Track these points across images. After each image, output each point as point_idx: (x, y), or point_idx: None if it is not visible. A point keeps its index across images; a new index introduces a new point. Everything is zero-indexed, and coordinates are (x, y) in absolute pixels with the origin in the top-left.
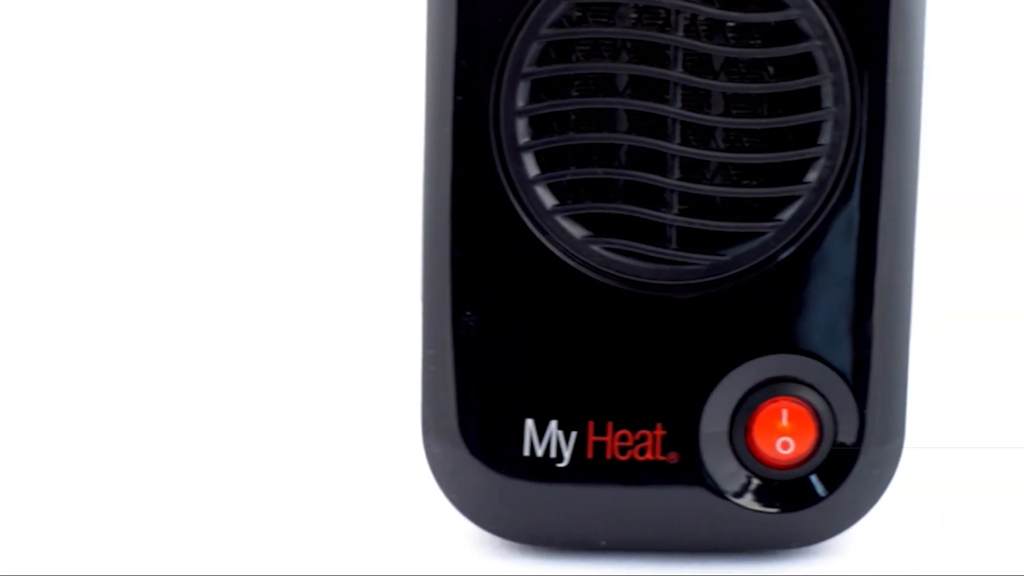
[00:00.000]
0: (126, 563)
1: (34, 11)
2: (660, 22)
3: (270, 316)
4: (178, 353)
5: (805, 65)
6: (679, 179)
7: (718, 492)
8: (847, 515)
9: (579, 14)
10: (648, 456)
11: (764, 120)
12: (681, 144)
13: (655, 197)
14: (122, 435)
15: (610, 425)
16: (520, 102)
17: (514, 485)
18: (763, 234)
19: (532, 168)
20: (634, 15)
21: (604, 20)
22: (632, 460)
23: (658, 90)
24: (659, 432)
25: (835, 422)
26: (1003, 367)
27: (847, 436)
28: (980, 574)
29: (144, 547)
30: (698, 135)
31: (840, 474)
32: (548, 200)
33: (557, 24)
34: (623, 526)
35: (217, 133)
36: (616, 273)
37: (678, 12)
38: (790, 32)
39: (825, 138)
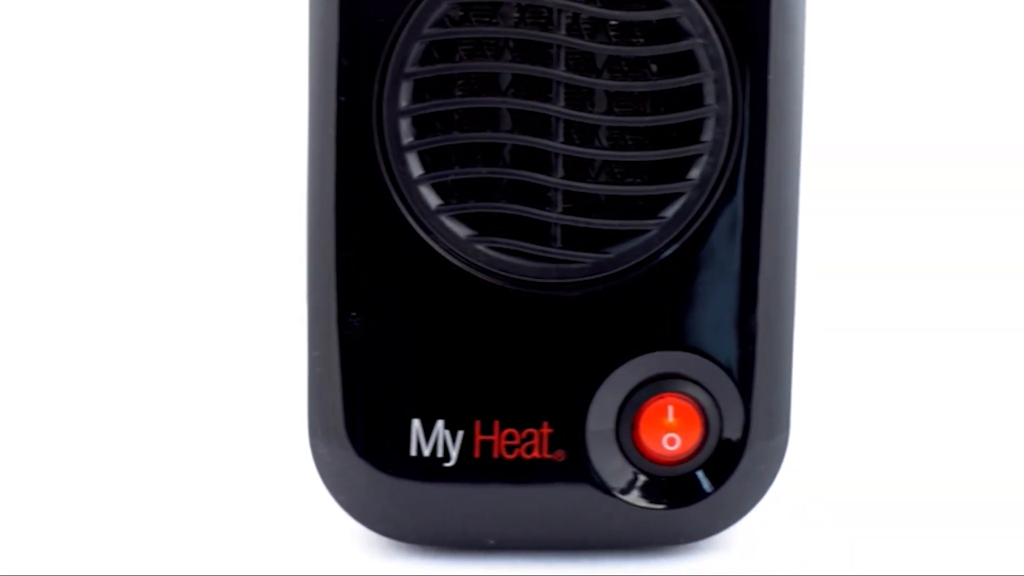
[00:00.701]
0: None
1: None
2: (543, 21)
3: (157, 319)
4: (74, 356)
5: (687, 63)
6: (563, 178)
7: (605, 489)
8: (734, 510)
9: (462, 13)
10: (535, 454)
11: (647, 118)
12: (565, 143)
13: (539, 196)
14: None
15: (497, 424)
16: (403, 102)
17: (401, 485)
18: (647, 231)
19: (416, 168)
20: (517, 14)
21: (487, 19)
22: (519, 459)
23: (541, 89)
24: (546, 430)
25: (720, 418)
26: (884, 366)
27: (732, 431)
28: (868, 572)
29: (33, 546)
30: (582, 133)
31: (726, 469)
32: (432, 200)
33: (439, 24)
34: (511, 525)
35: (92, 134)
36: (501, 272)
37: (560, 11)
38: (672, 30)
39: (707, 135)
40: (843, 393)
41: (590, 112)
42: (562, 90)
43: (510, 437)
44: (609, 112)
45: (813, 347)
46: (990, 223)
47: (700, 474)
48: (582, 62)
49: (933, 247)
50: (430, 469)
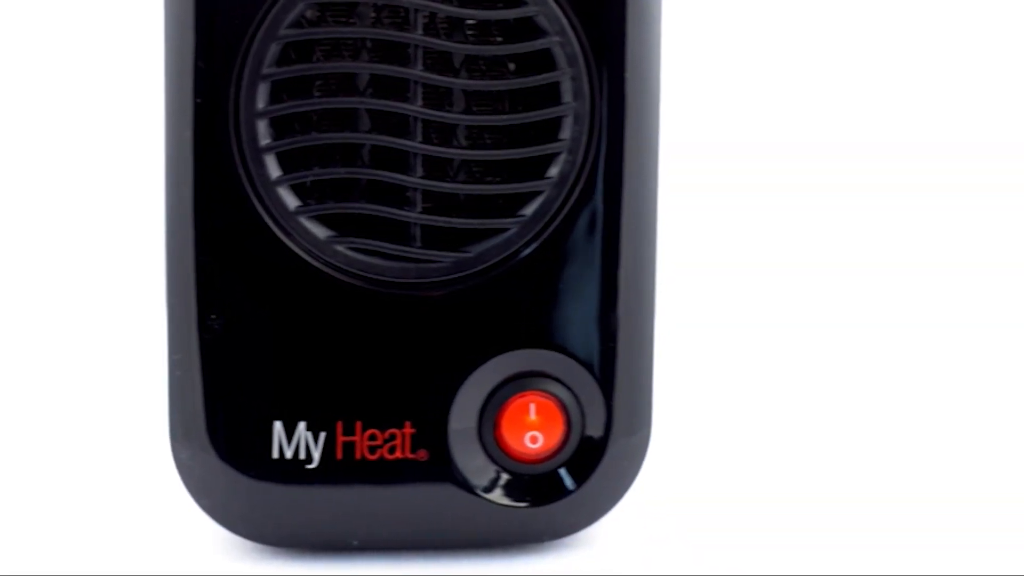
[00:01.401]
0: None
1: None
2: (400, 21)
3: (19, 323)
4: None
5: (544, 61)
6: (422, 177)
7: (468, 488)
8: (597, 507)
9: (318, 14)
10: (398, 454)
11: (505, 116)
12: (423, 142)
13: (399, 196)
14: None
15: (359, 425)
16: (260, 103)
17: (264, 488)
18: (506, 230)
19: (274, 169)
20: (374, 14)
21: (344, 20)
22: (382, 459)
23: (399, 89)
24: (408, 430)
25: (583, 415)
26: (743, 362)
27: (594, 429)
28: (731, 571)
29: None
30: (440, 133)
31: (588, 466)
32: (291, 201)
33: (296, 24)
34: (375, 525)
35: None
36: (361, 273)
37: (417, 10)
38: (528, 28)
39: (565, 133)
40: (704, 390)
41: (448, 111)
42: (420, 90)
43: (372, 438)
44: (467, 111)
45: (673, 344)
46: (847, 218)
47: (563, 472)
48: (440, 61)
49: (792, 243)
50: (293, 471)
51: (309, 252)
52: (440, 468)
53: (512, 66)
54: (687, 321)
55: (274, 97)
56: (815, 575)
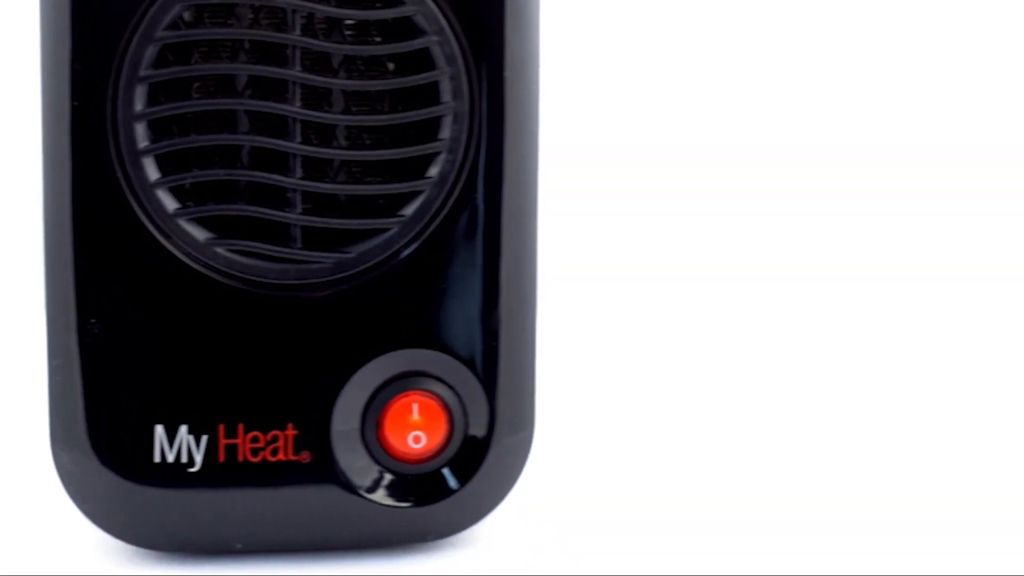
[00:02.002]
0: None
1: None
2: (278, 21)
3: None
4: None
5: (423, 61)
6: (302, 178)
7: (351, 489)
8: (481, 507)
9: (195, 15)
10: (280, 456)
11: (384, 116)
12: (302, 143)
13: (279, 197)
14: None
15: (241, 427)
16: (138, 106)
17: (146, 492)
18: (387, 230)
19: (153, 172)
20: (251, 15)
21: (221, 21)
22: (264, 461)
23: (278, 90)
24: (291, 432)
25: (465, 414)
26: (623, 364)
27: (477, 428)
28: (614, 571)
29: None
30: (320, 133)
31: (472, 466)
32: (170, 204)
33: (173, 26)
34: (259, 528)
35: None
36: (240, 275)
37: (295, 11)
38: (407, 28)
39: (445, 132)
40: (587, 390)
41: (327, 112)
42: (298, 90)
43: (255, 440)
44: (347, 111)
45: (555, 344)
46: (725, 223)
47: (446, 471)
48: (318, 62)
49: (675, 247)
50: (175, 475)
51: (189, 255)
52: (323, 469)
53: (391, 66)
54: (570, 321)
55: (152, 99)
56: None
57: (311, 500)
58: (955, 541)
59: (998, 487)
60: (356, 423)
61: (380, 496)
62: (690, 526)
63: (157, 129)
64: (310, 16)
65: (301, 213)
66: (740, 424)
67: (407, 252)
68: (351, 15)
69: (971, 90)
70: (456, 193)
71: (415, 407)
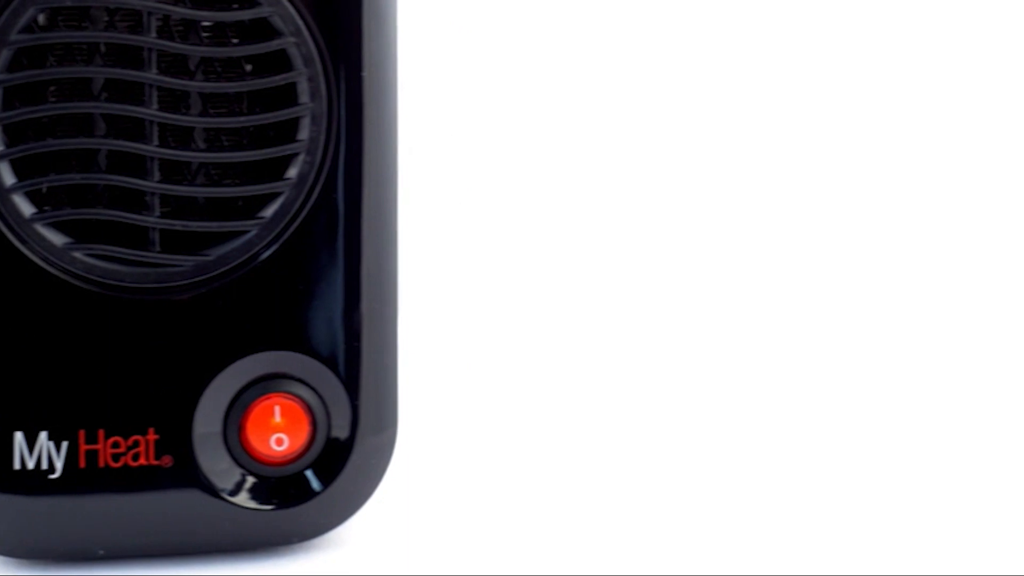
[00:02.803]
0: None
1: None
2: (133, 24)
3: None
4: None
5: (280, 62)
6: (160, 181)
7: (214, 492)
8: (345, 507)
9: (50, 19)
10: (142, 461)
11: (242, 118)
12: (160, 146)
13: (137, 200)
14: None
15: (101, 433)
16: None
17: (6, 500)
18: (246, 232)
19: (8, 177)
20: (107, 18)
21: (76, 24)
22: (126, 467)
23: (135, 93)
24: (152, 436)
25: (328, 416)
26: (486, 359)
27: (340, 429)
28: (482, 570)
29: None
30: (178, 136)
31: (335, 467)
32: (26, 208)
33: (27, 30)
34: (121, 533)
35: None
36: (99, 279)
37: (151, 13)
38: (264, 29)
39: (303, 134)
40: (453, 388)
41: (185, 114)
42: (155, 93)
43: (116, 445)
44: (204, 113)
45: (419, 343)
46: (587, 221)
47: (309, 473)
48: (175, 64)
49: (533, 245)
50: (35, 482)
51: (46, 260)
52: (185, 473)
53: (249, 67)
54: (436, 320)
55: (7, 104)
56: (561, 574)
57: (174, 504)
58: (955, 541)
59: (998, 487)
60: (218, 426)
61: (243, 499)
62: (555, 524)
63: (12, 133)
64: (166, 18)
65: (159, 216)
66: (606, 420)
67: (267, 254)
68: (207, 17)
69: (970, 90)
70: (315, 194)
71: (277, 409)
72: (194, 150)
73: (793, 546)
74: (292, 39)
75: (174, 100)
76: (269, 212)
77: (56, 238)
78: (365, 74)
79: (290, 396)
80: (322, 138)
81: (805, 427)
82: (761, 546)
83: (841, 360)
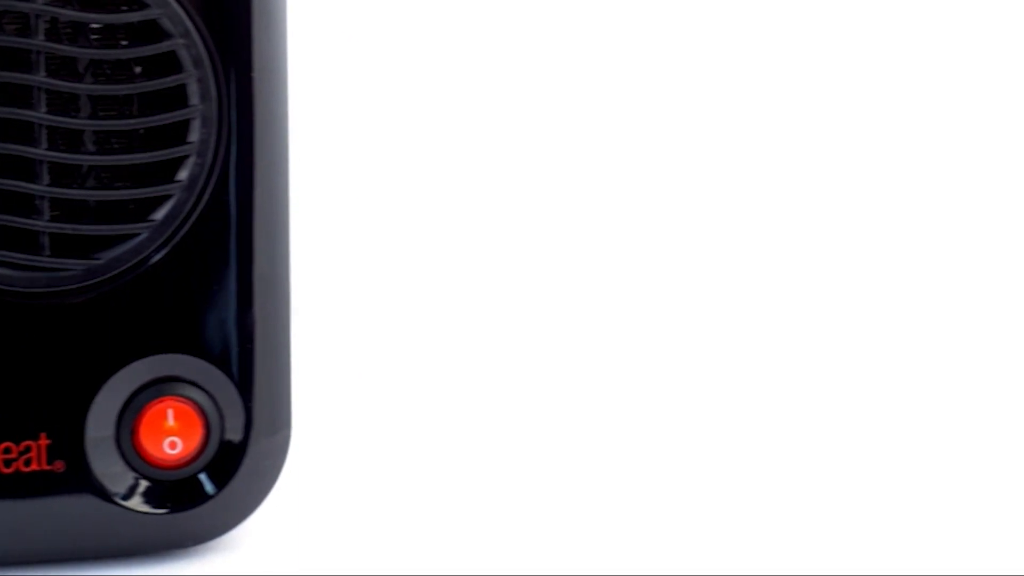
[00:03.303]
0: None
1: None
2: (21, 26)
3: None
4: None
5: (169, 64)
6: (49, 184)
7: (107, 497)
8: (239, 510)
9: None
10: (34, 467)
11: (132, 120)
12: (49, 149)
13: (26, 204)
14: None
15: None
16: None
17: None
18: (137, 235)
19: None
20: None
21: None
22: (17, 472)
23: (23, 96)
24: (44, 442)
25: (221, 418)
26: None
27: (234, 432)
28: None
29: None
30: (67, 139)
31: (229, 470)
32: None
33: None
34: (14, 540)
35: None
36: None
37: (39, 16)
38: (153, 31)
39: (194, 136)
40: (345, 390)
41: (74, 117)
42: (44, 96)
43: (7, 451)
44: (94, 116)
45: (313, 344)
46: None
47: (203, 476)
48: (64, 67)
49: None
50: None
51: None
52: (78, 478)
53: (138, 70)
54: (326, 321)
55: None
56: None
57: (67, 510)
58: (955, 541)
59: (998, 487)
60: (110, 430)
61: (136, 503)
62: (446, 522)
63: None
64: (54, 21)
65: (49, 220)
66: (500, 417)
67: (158, 257)
68: (96, 19)
69: (970, 90)
70: (206, 196)
71: (170, 412)
72: (84, 153)
73: (777, 546)
74: (181, 41)
75: (63, 103)
76: (160, 215)
77: None
78: (255, 75)
79: (183, 399)
80: (213, 140)
81: (779, 428)
82: (721, 548)
83: (836, 359)
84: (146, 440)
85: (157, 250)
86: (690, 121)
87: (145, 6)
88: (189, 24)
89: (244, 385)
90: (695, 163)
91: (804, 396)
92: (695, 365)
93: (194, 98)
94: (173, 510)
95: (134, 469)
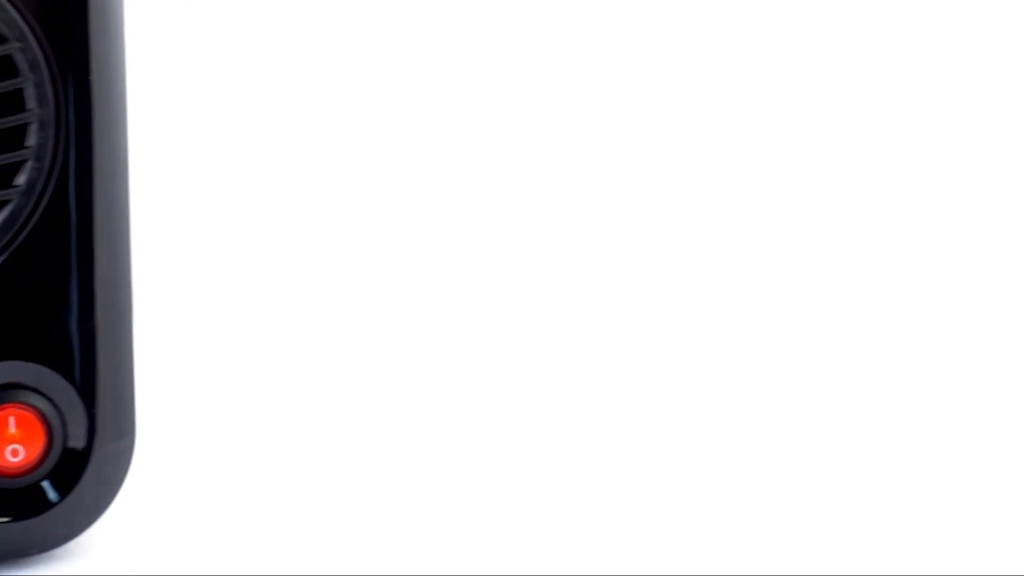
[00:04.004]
0: None
1: None
2: None
3: None
4: None
5: (5, 68)
6: None
7: None
8: (85, 516)
9: None
10: None
11: None
12: None
13: None
14: None
15: None
16: None
17: None
18: None
19: None
20: None
21: None
22: None
23: None
24: None
25: (64, 425)
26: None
27: (77, 439)
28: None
29: None
30: None
31: (73, 477)
32: None
33: None
34: None
35: None
36: None
37: None
38: None
39: (31, 140)
40: (192, 393)
41: None
42: None
43: None
44: None
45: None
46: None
47: (46, 484)
48: None
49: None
50: None
51: None
52: None
53: None
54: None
55: None
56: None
57: None
58: (955, 541)
59: (998, 487)
60: None
61: None
62: (294, 525)
63: None
64: None
65: None
66: (352, 421)
67: None
68: None
69: (970, 90)
70: (45, 201)
71: (11, 420)
72: None
73: (777, 547)
74: (17, 44)
75: None
76: None
77: None
78: (93, 78)
79: (25, 406)
80: (51, 144)
81: (778, 428)
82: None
83: (836, 359)
84: None
85: None
86: (663, 117)
87: None
88: (25, 28)
89: (87, 391)
90: (665, 160)
91: (804, 396)
92: (658, 368)
93: (31, 102)
94: (16, 518)
95: None
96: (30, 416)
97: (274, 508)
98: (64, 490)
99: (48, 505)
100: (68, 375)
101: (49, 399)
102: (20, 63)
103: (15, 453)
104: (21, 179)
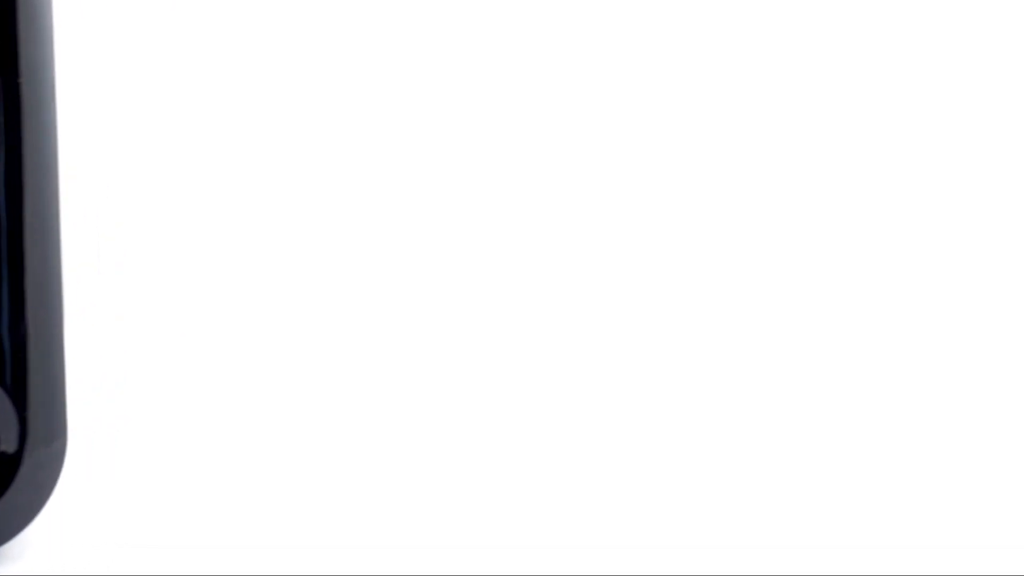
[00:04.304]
0: None
1: None
2: None
3: None
4: None
5: None
6: None
7: None
8: (17, 520)
9: None
10: None
11: None
12: None
13: None
14: None
15: None
16: None
17: None
18: None
19: None
20: None
21: None
22: None
23: None
24: None
25: None
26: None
27: (8, 442)
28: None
29: None
30: None
31: (5, 480)
32: None
33: None
34: None
35: None
36: None
37: None
38: None
39: None
40: (123, 396)
41: None
42: None
43: None
44: None
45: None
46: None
47: None
48: None
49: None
50: None
51: None
52: None
53: None
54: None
55: None
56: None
57: None
58: (955, 541)
59: (998, 487)
60: None
61: None
62: (232, 526)
63: None
64: None
65: None
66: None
67: None
68: None
69: (971, 90)
70: None
71: None
72: None
73: (777, 546)
74: None
75: None
76: None
77: None
78: (22, 81)
79: None
80: None
81: (779, 427)
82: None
83: (836, 359)
84: None
85: None
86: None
87: None
88: None
89: (18, 395)
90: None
91: (804, 396)
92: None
93: None
94: None
95: None
96: None
97: (200, 509)
98: None
99: None
100: None
101: None
102: None
103: None
104: None
